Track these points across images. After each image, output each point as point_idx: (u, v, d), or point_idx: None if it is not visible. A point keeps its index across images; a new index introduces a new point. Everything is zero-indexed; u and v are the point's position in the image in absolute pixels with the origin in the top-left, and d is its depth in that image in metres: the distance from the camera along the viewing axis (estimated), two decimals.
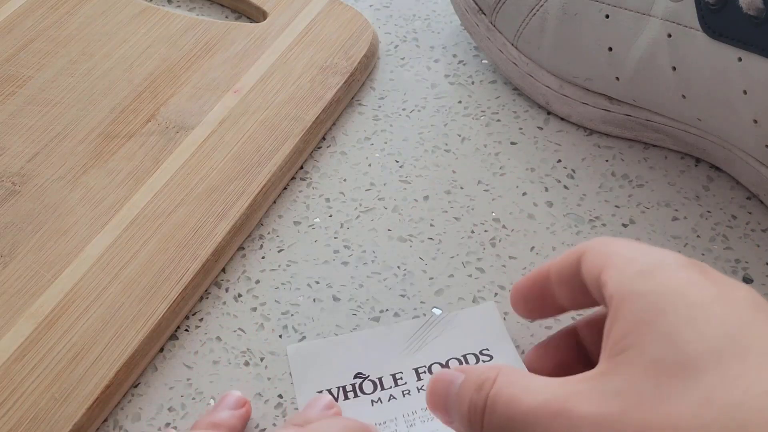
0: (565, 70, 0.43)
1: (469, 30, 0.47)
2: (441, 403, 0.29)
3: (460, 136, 0.45)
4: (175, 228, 0.38)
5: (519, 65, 0.45)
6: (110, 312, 0.36)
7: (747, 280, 0.38)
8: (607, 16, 0.40)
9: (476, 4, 0.46)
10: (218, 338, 0.37)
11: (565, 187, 0.42)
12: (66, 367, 0.34)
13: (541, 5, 0.42)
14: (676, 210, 0.41)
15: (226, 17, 0.52)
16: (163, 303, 0.36)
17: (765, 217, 0.40)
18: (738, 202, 0.41)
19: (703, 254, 0.39)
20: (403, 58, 0.50)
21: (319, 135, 0.44)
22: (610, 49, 0.40)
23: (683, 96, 0.38)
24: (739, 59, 0.35)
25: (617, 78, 0.41)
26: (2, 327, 0.35)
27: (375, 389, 0.34)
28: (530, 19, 0.43)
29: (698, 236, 0.40)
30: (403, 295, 0.38)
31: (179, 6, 0.52)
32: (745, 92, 0.35)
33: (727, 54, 0.36)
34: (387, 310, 0.38)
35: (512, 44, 0.45)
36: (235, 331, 0.37)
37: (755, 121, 0.36)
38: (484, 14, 0.45)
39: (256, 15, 0.50)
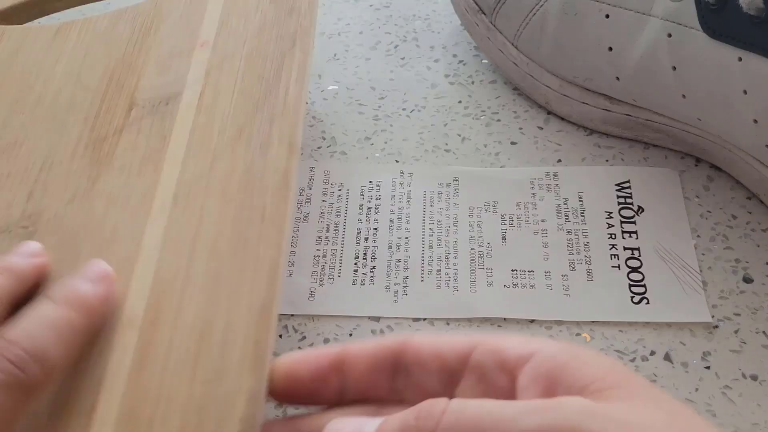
0: (566, 69, 0.42)
1: (469, 30, 0.47)
2: None
3: (460, 135, 0.45)
4: (225, 178, 0.34)
5: (519, 65, 0.44)
6: (210, 281, 0.30)
7: (747, 280, 0.39)
8: (608, 16, 0.40)
9: (476, 4, 0.45)
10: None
11: None
12: (198, 350, 0.29)
13: (541, 5, 0.42)
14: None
15: None
16: (261, 245, 0.31)
17: (765, 217, 0.41)
18: (738, 202, 0.41)
19: (703, 254, 0.39)
20: (403, 58, 0.50)
21: (310, 42, 0.40)
22: (611, 48, 0.40)
23: (683, 96, 0.38)
24: (739, 59, 0.35)
25: (617, 78, 0.40)
26: (104, 348, 0.29)
27: None
28: (530, 19, 0.42)
29: (698, 236, 0.40)
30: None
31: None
32: (745, 92, 0.35)
33: (727, 54, 0.35)
34: None
35: (512, 44, 0.44)
36: None
37: (755, 121, 0.35)
38: (484, 14, 0.45)
39: None
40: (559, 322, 0.38)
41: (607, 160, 0.43)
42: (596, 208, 0.41)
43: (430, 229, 0.41)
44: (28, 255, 0.31)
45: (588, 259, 0.40)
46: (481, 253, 0.40)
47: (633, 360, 0.36)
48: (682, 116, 0.39)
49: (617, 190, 0.42)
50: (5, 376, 0.25)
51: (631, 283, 0.39)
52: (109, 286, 0.29)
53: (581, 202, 0.42)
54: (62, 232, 0.34)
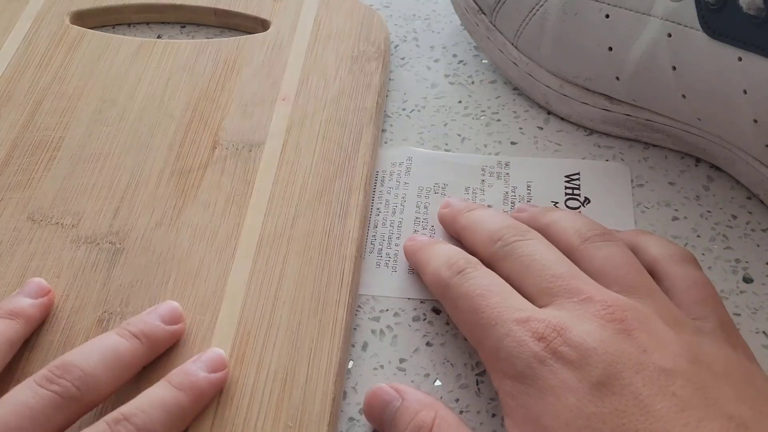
0: (566, 69, 0.43)
1: (469, 30, 0.47)
2: (377, 418, 0.32)
3: (460, 135, 0.45)
4: (306, 237, 0.38)
5: (519, 65, 0.45)
6: (292, 331, 0.35)
7: (747, 280, 0.38)
8: (607, 16, 0.40)
9: (476, 3, 0.45)
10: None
11: None
12: (281, 395, 0.33)
13: (541, 5, 0.42)
14: (676, 210, 0.41)
15: (221, 34, 0.50)
16: (340, 308, 0.35)
17: (765, 217, 0.40)
18: (738, 201, 0.41)
19: (703, 254, 0.39)
20: (403, 58, 0.50)
21: (381, 119, 0.44)
22: (611, 48, 0.40)
23: (683, 96, 0.38)
24: (739, 59, 0.35)
25: (617, 78, 0.41)
26: None
27: None
28: (530, 19, 0.43)
29: (698, 236, 0.40)
30: None
31: (171, 36, 0.50)
32: (745, 92, 0.35)
33: (727, 54, 0.35)
34: None
35: (512, 44, 0.44)
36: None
37: (755, 121, 0.36)
38: (484, 14, 0.45)
39: (254, 26, 0.49)
40: None
41: (607, 160, 0.43)
42: (543, 198, 0.41)
43: (378, 208, 0.41)
44: (36, 296, 0.34)
45: None
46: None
47: None
48: (682, 116, 0.39)
49: (566, 181, 0.42)
50: None
51: None
52: (225, 375, 0.32)
53: (529, 191, 0.42)
54: (150, 255, 0.38)
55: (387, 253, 0.40)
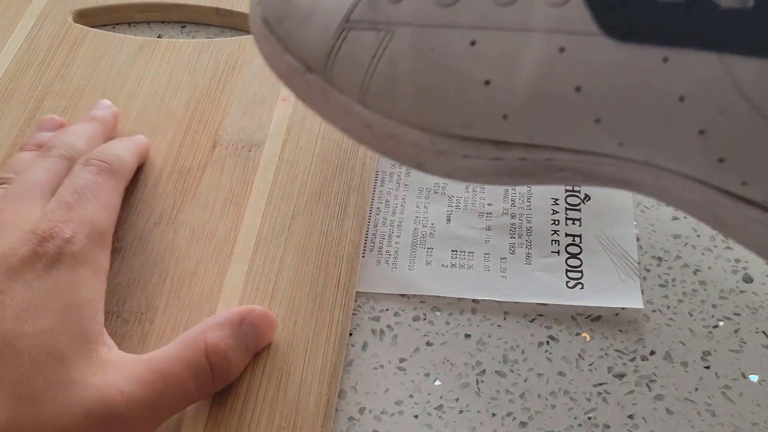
0: (435, 120, 0.33)
1: (300, 96, 0.36)
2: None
3: None
4: (304, 238, 0.38)
5: (374, 127, 0.34)
6: (287, 332, 0.35)
7: (747, 280, 0.38)
8: (474, 43, 0.31)
9: (300, 62, 0.35)
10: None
11: None
12: (275, 396, 0.33)
13: (385, 47, 0.32)
14: (677, 209, 0.41)
15: (222, 34, 0.51)
16: (336, 309, 0.35)
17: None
18: None
19: (703, 254, 0.39)
20: None
21: None
22: (488, 82, 0.31)
23: (597, 120, 0.30)
24: (665, 60, 0.27)
25: (504, 116, 0.31)
26: None
27: None
28: (376, 66, 0.33)
29: (698, 236, 0.40)
30: None
31: (172, 36, 0.50)
32: (681, 99, 0.28)
33: (647, 57, 0.28)
34: None
35: (360, 103, 0.34)
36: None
37: (701, 132, 0.28)
38: (315, 72, 0.34)
39: None
40: (558, 322, 0.37)
41: None
42: (543, 194, 0.40)
43: (378, 208, 0.41)
44: (107, 107, 0.42)
45: (529, 244, 0.40)
46: (423, 232, 0.40)
47: (633, 359, 0.36)
48: (596, 146, 0.31)
49: None
50: (98, 168, 0.35)
51: (569, 268, 0.39)
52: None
53: (530, 188, 0.41)
54: (147, 254, 0.38)
55: (387, 251, 0.40)
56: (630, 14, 0.27)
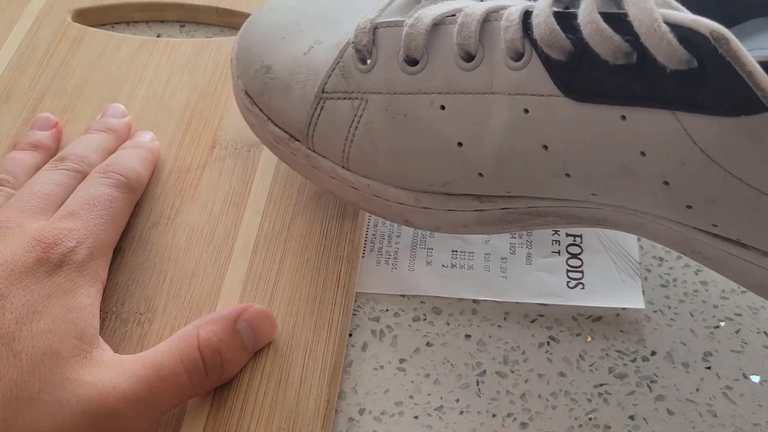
0: (415, 181, 0.34)
1: (288, 162, 0.38)
2: None
3: None
4: (303, 238, 0.38)
5: (360, 188, 0.36)
6: (287, 333, 0.34)
7: None
8: (443, 107, 0.32)
9: (285, 132, 0.36)
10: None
11: None
12: (275, 397, 0.33)
13: (360, 115, 0.34)
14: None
15: (221, 33, 0.50)
16: (336, 310, 0.35)
17: None
18: None
19: None
20: None
21: None
22: (460, 143, 0.32)
23: (567, 175, 0.31)
24: (623, 117, 0.28)
25: (480, 174, 0.33)
26: None
27: None
28: (354, 134, 0.34)
29: None
30: None
31: (171, 35, 0.50)
32: (643, 153, 0.29)
33: (605, 116, 0.29)
34: None
35: (343, 167, 0.36)
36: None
37: (666, 183, 0.29)
38: (298, 141, 0.36)
39: None
40: (559, 322, 0.37)
41: None
42: None
43: None
44: (120, 116, 0.41)
45: (529, 244, 0.40)
46: (424, 233, 0.40)
47: (634, 360, 0.36)
48: (571, 195, 0.32)
49: None
50: (115, 181, 0.36)
51: (569, 268, 0.39)
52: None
53: None
54: (146, 254, 0.38)
55: (387, 251, 0.40)
56: (585, 76, 0.28)
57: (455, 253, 0.40)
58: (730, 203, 0.28)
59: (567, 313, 0.38)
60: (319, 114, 0.35)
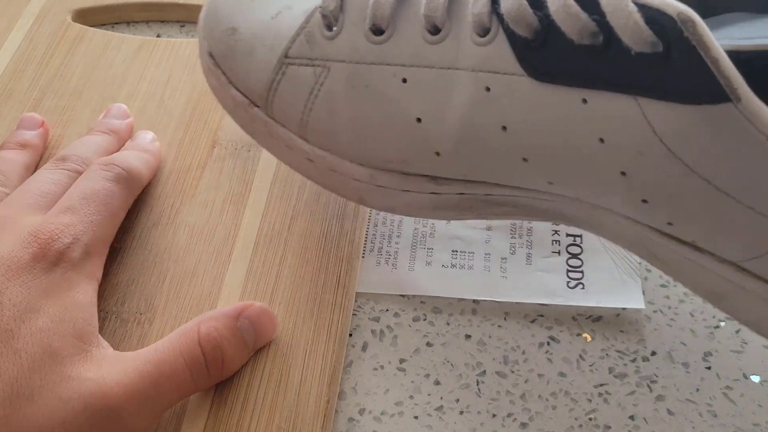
0: (372, 156, 0.33)
1: (247, 130, 0.37)
2: None
3: None
4: (304, 238, 0.38)
5: (316, 161, 0.35)
6: (287, 333, 0.34)
7: None
8: (405, 81, 0.31)
9: (245, 96, 0.36)
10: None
11: None
12: (275, 397, 0.33)
13: (322, 83, 0.33)
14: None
15: None
16: (336, 311, 0.35)
17: None
18: None
19: None
20: None
21: None
22: (419, 120, 0.31)
23: (524, 159, 0.30)
24: (584, 101, 0.27)
25: (437, 153, 0.32)
26: None
27: None
28: (314, 102, 0.33)
29: None
30: None
31: (171, 35, 0.50)
32: (602, 140, 0.28)
33: (567, 98, 0.28)
34: None
35: (300, 137, 0.35)
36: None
37: (623, 173, 0.28)
38: (257, 106, 0.35)
39: None
40: (559, 322, 0.37)
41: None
42: None
43: None
44: (122, 117, 0.41)
45: (529, 244, 0.40)
46: (424, 233, 0.40)
47: (634, 360, 0.36)
48: (528, 183, 0.31)
49: None
50: (116, 175, 0.36)
51: (569, 268, 0.39)
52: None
53: None
54: (147, 254, 0.38)
55: (387, 251, 0.40)
56: (549, 56, 0.28)
57: (455, 253, 0.40)
58: (687, 199, 0.27)
59: (567, 313, 0.38)
60: (280, 80, 0.34)
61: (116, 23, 0.50)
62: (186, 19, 0.50)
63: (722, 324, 0.37)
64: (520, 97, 0.29)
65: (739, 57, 0.24)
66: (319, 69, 0.33)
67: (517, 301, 0.38)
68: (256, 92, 0.35)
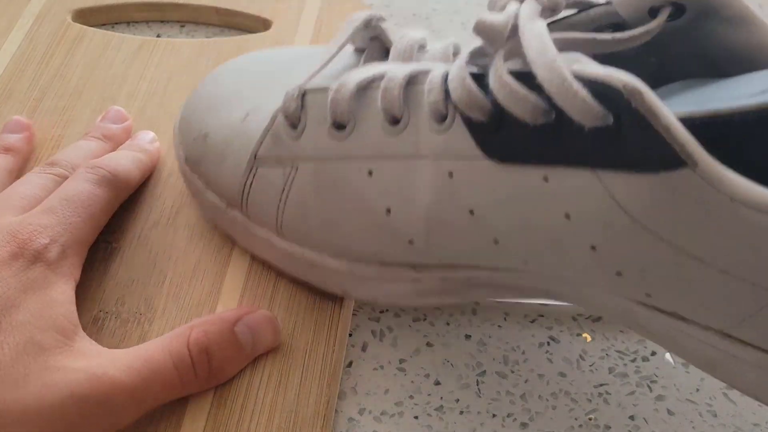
0: (347, 250, 0.33)
1: (228, 232, 0.37)
2: None
3: None
4: None
5: (296, 257, 0.35)
6: (287, 333, 0.34)
7: None
8: (371, 173, 0.31)
9: (221, 199, 0.36)
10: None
11: None
12: (275, 397, 0.33)
13: (291, 182, 0.33)
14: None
15: (221, 33, 0.50)
16: (336, 311, 0.35)
17: None
18: None
19: None
20: None
21: None
22: (389, 210, 0.31)
23: (495, 241, 0.30)
24: (545, 179, 0.27)
25: (410, 241, 0.32)
26: None
27: None
28: (285, 201, 0.34)
29: None
30: None
31: (171, 35, 0.50)
32: (567, 216, 0.27)
33: (528, 177, 0.28)
34: None
35: (278, 235, 0.35)
36: None
37: (593, 248, 0.28)
38: (235, 208, 0.36)
39: (256, 26, 0.49)
40: (559, 322, 0.37)
41: None
42: None
43: None
44: (119, 121, 0.41)
45: None
46: None
47: (634, 360, 0.36)
48: (505, 263, 0.31)
49: None
50: (100, 177, 0.36)
51: None
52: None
53: None
54: (146, 254, 0.38)
55: None
56: (506, 137, 0.27)
57: None
58: (660, 269, 0.27)
59: (567, 313, 0.38)
60: (251, 182, 0.34)
61: (116, 23, 0.50)
62: (186, 19, 0.50)
63: None
64: (482, 180, 0.29)
65: (694, 123, 0.24)
66: (287, 169, 0.33)
67: (517, 300, 0.38)
68: (230, 195, 0.35)
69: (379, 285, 0.34)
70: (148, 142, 0.40)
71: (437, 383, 0.35)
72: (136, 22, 0.51)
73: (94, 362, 0.30)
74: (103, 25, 0.50)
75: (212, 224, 0.38)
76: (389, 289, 0.34)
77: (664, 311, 0.29)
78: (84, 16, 0.49)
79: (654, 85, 0.24)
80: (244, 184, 0.34)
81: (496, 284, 0.33)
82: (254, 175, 0.34)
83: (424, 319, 0.37)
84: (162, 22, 0.51)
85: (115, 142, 0.40)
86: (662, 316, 0.29)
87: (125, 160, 0.38)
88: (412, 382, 0.35)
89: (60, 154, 0.38)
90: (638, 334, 0.32)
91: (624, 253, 0.27)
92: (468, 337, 0.37)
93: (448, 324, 0.37)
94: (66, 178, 0.37)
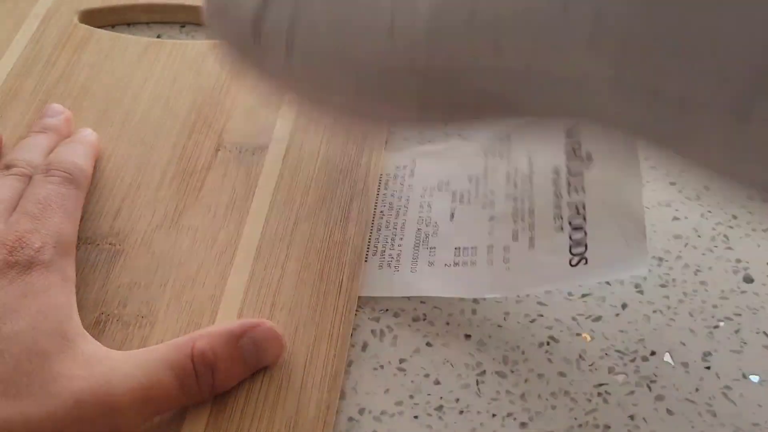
0: (352, 57, 0.33)
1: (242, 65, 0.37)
2: None
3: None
4: (306, 243, 0.38)
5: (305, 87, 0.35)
6: (288, 337, 0.35)
7: (747, 281, 0.38)
8: None
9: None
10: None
11: None
12: (276, 401, 0.33)
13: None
14: (677, 210, 0.41)
15: None
16: (338, 316, 0.36)
17: (766, 217, 0.40)
18: (739, 201, 0.41)
19: (703, 254, 0.39)
20: None
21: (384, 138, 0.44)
22: (393, 12, 0.31)
23: (496, 42, 0.29)
24: None
25: (413, 41, 0.31)
26: None
27: None
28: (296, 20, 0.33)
29: (699, 236, 0.40)
30: None
31: (171, 36, 0.50)
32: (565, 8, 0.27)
33: None
34: None
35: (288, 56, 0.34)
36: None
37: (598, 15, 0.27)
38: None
39: None
40: (559, 322, 0.37)
41: None
42: (545, 170, 0.39)
43: (381, 211, 0.41)
44: (57, 114, 0.41)
45: (531, 226, 0.38)
46: (427, 232, 0.40)
47: (633, 360, 0.36)
48: (505, 64, 0.30)
49: (567, 136, 0.40)
50: (61, 179, 0.36)
51: (572, 243, 0.37)
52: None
53: (531, 165, 0.40)
54: (149, 257, 0.38)
55: (390, 254, 0.40)
56: None
57: (458, 250, 0.39)
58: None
59: (567, 313, 0.38)
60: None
61: (115, 24, 0.51)
62: (193, 20, 0.50)
63: (721, 324, 0.37)
64: None
65: None
66: None
67: (521, 293, 0.38)
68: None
69: (383, 102, 0.33)
70: (88, 135, 0.41)
71: (437, 383, 0.36)
72: (137, 23, 0.51)
73: (97, 369, 0.30)
74: (110, 26, 0.50)
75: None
76: (395, 102, 0.33)
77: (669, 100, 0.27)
78: (91, 18, 0.49)
79: None
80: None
81: (499, 97, 0.31)
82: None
83: (424, 319, 0.37)
84: (162, 23, 0.51)
85: (58, 133, 0.40)
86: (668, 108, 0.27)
87: (74, 155, 0.38)
88: (412, 381, 0.36)
89: (13, 154, 0.39)
90: (648, 145, 0.30)
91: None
92: (468, 337, 0.37)
93: (447, 324, 0.37)
94: (27, 175, 0.37)
